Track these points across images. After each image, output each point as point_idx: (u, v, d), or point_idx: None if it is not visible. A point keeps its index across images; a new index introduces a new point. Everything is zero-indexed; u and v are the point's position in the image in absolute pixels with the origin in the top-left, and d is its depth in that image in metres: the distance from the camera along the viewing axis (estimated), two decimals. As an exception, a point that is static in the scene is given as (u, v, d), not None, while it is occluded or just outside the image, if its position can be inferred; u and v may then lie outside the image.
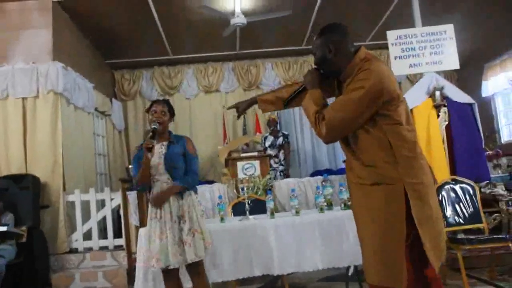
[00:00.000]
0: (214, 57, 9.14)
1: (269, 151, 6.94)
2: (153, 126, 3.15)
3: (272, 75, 9.34)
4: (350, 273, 4.01)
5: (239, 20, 6.47)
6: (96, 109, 7.48)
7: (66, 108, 6.17)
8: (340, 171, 7.25)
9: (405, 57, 5.88)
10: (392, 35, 5.91)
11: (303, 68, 9.25)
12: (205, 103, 9.35)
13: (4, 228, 4.52)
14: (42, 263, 5.56)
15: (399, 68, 5.90)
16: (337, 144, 7.87)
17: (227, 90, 9.36)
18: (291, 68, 9.28)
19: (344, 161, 6.64)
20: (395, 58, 5.88)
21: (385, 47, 6.86)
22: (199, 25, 7.43)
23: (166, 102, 3.35)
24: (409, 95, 5.90)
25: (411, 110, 5.77)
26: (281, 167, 7.24)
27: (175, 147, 3.22)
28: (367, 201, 2.17)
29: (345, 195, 3.76)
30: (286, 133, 7.63)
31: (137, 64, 9.09)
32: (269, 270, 3.54)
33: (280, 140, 7.18)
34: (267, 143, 7.20)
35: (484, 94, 8.81)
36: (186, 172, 3.20)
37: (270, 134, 7.34)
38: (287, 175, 7.30)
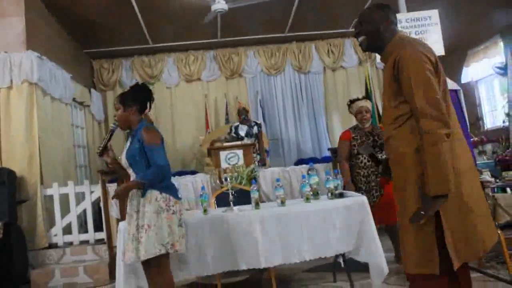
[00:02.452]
0: (195, 45, 8.95)
1: (245, 141, 6.80)
2: (110, 128, 3.13)
3: (255, 63, 9.21)
4: (342, 263, 3.93)
5: (220, 6, 6.29)
6: (74, 100, 7.26)
7: (42, 99, 5.95)
8: (325, 159, 7.18)
9: (389, 43, 5.79)
10: (376, 21, 5.81)
11: (286, 55, 9.15)
12: (186, 92, 9.19)
13: (-23, 225, 4.34)
14: (20, 260, 5.37)
15: (383, 55, 5.81)
16: (321, 132, 7.80)
17: (209, 79, 9.20)
18: (274, 55, 9.15)
19: (329, 149, 6.54)
20: (379, 44, 5.79)
21: (369, 33, 6.75)
22: (179, 13, 7.24)
23: (119, 96, 3.18)
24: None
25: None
26: (258, 157, 7.10)
27: (134, 141, 3.06)
28: None
29: (332, 184, 3.67)
30: (258, 122, 7.45)
31: (116, 53, 8.86)
32: (254, 264, 3.44)
33: (255, 129, 7.01)
34: (242, 133, 6.97)
35: (464, 81, 8.81)
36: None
37: (242, 123, 7.09)
38: (264, 164, 7.21)
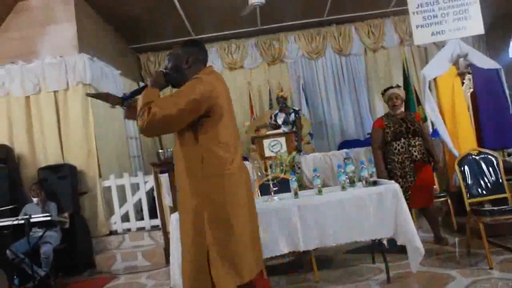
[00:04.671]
0: (236, 34, 9.17)
1: (283, 128, 6.98)
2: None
3: (295, 48, 9.33)
4: (385, 244, 4.07)
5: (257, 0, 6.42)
6: (124, 94, 7.65)
7: (95, 98, 6.39)
8: (367, 142, 7.29)
9: (427, 25, 5.78)
10: (412, 4, 5.81)
11: (326, 39, 9.22)
12: (230, 80, 9.41)
13: (48, 218, 4.83)
14: (85, 246, 5.92)
15: (421, 37, 5.83)
16: (364, 113, 7.84)
17: (251, 66, 9.42)
18: (314, 40, 9.23)
19: (368, 133, 6.66)
20: (417, 27, 5.80)
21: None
22: (218, 4, 7.49)
23: None
24: (432, 64, 5.85)
25: (434, 79, 5.75)
26: (295, 144, 7.25)
27: None
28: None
29: (366, 173, 3.85)
30: (297, 108, 7.55)
31: (161, 47, 9.21)
32: (294, 247, 3.70)
33: (292, 116, 7.13)
34: (280, 121, 7.12)
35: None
36: None
37: (280, 111, 7.22)
38: (299, 150, 7.34)
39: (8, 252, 4.98)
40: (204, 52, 2.57)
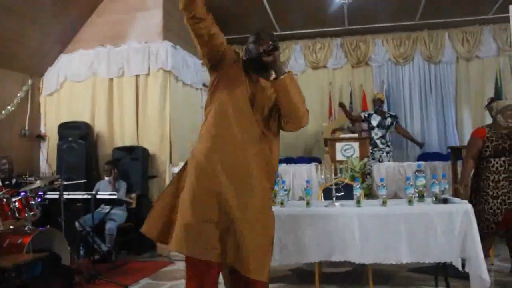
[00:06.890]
0: (322, 33, 8.96)
1: (376, 131, 6.75)
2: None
3: (382, 51, 8.94)
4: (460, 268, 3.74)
5: (344, -2, 6.22)
6: (204, 85, 7.79)
7: (174, 85, 6.54)
8: (448, 157, 6.83)
9: (527, 34, 5.30)
10: (514, 12, 5.34)
11: (416, 44, 8.75)
12: (312, 79, 9.27)
13: (113, 196, 5.01)
14: (149, 228, 6.06)
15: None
16: (449, 127, 7.33)
17: (335, 67, 9.16)
18: (403, 44, 8.80)
19: (449, 147, 6.22)
20: (516, 35, 5.33)
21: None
22: (306, 1, 7.35)
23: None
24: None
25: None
26: (387, 148, 6.98)
27: None
28: None
29: (437, 188, 3.57)
30: (394, 114, 7.30)
31: (245, 40, 9.20)
32: (349, 258, 3.52)
33: (389, 120, 6.88)
34: (374, 123, 6.92)
35: None
36: None
37: (376, 113, 7.01)
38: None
39: (76, 223, 5.24)
40: None
